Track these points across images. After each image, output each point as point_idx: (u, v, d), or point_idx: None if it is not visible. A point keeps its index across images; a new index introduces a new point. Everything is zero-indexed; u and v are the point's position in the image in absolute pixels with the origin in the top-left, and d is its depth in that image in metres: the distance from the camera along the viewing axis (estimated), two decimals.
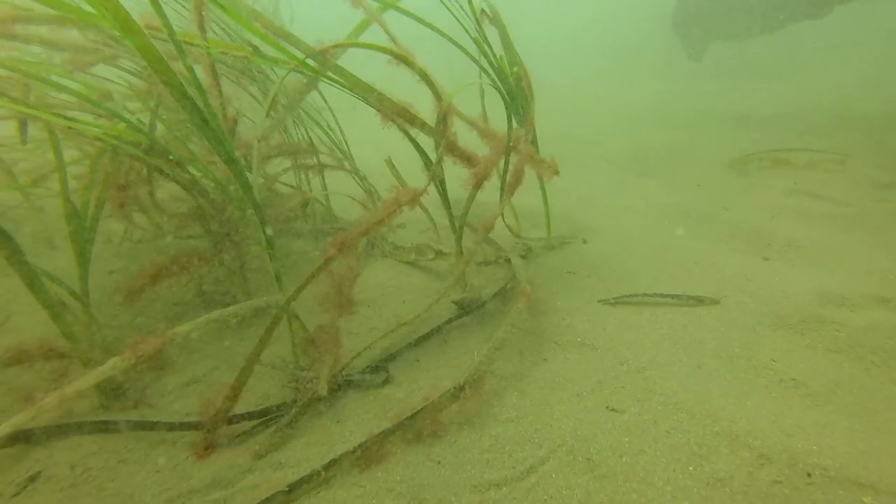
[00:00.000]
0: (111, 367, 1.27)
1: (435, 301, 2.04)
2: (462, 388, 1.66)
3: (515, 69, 2.58)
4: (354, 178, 3.18)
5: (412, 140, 2.17)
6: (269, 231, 1.76)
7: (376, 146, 2.09)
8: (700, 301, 2.30)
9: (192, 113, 1.49)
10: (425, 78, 2.04)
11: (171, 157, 1.82)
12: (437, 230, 3.00)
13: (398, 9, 2.46)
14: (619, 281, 2.57)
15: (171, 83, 1.41)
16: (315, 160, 2.97)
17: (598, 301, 2.39)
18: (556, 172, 2.61)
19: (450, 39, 2.43)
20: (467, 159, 2.15)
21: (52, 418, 1.66)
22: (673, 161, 4.79)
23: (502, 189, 2.47)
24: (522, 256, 2.84)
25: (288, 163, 3.02)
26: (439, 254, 2.64)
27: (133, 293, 1.96)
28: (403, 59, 1.93)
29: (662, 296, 2.34)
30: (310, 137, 2.98)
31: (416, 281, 2.54)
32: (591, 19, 9.40)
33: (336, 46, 1.88)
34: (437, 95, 2.07)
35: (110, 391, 1.79)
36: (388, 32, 2.30)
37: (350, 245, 1.66)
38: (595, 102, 6.70)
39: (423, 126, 2.03)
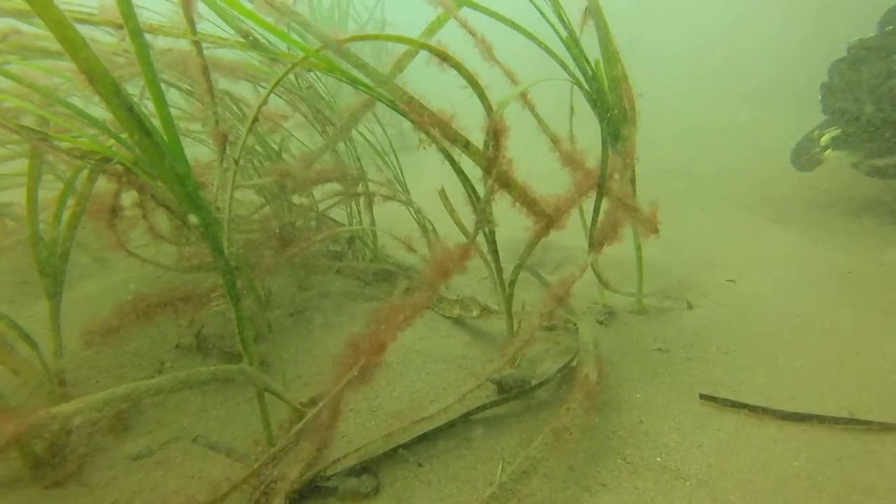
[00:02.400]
0: None
1: (465, 394, 1.50)
2: None
3: (614, 73, 1.97)
4: (410, 211, 2.75)
5: (456, 167, 1.67)
6: (237, 287, 1.35)
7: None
8: (864, 422, 1.51)
9: (126, 121, 1.13)
10: (472, 83, 1.55)
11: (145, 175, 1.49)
12: (493, 277, 2.45)
13: (478, 6, 1.95)
14: (732, 369, 1.83)
15: (91, 73, 1.05)
16: (363, 188, 2.59)
17: (699, 397, 1.69)
18: (655, 231, 1.97)
19: (527, 34, 1.89)
20: (527, 201, 1.61)
21: None
22: (818, 203, 3.80)
23: (590, 237, 1.87)
24: (601, 322, 2.20)
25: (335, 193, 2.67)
26: (485, 311, 2.09)
27: (105, 335, 1.66)
28: (442, 55, 1.46)
29: (800, 414, 1.58)
30: (359, 161, 2.61)
31: (451, 345, 2.00)
32: (727, 58, 8.28)
33: (354, 39, 1.44)
34: (488, 107, 1.56)
35: (39, 459, 1.46)
36: (466, 27, 1.81)
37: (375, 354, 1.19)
38: (721, 133, 5.74)
39: (466, 147, 1.52)
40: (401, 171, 2.81)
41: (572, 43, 1.95)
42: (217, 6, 1.49)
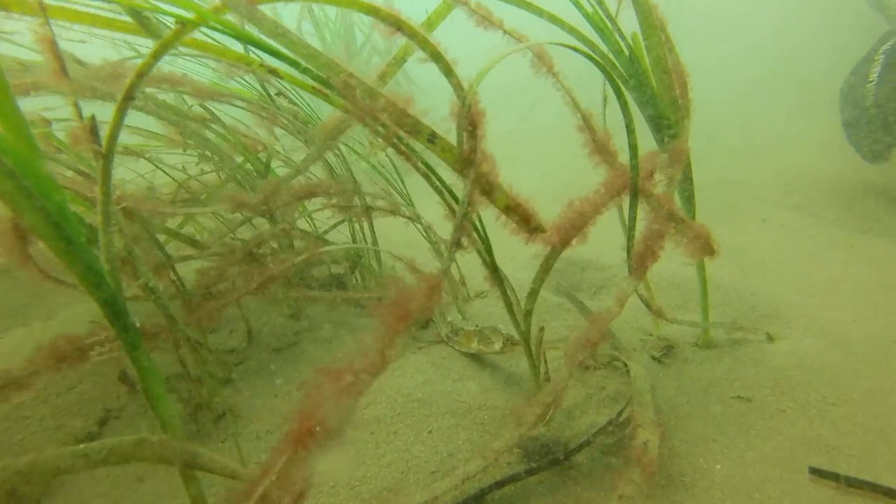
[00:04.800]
0: None
1: (464, 480, 1.06)
2: None
3: (657, 54, 1.54)
4: (418, 228, 2.35)
5: (428, 168, 1.26)
6: (130, 320, 0.96)
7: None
8: None
9: None
10: (435, 55, 1.12)
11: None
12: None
13: None
14: (848, 429, 1.33)
15: None
16: (360, 202, 2.21)
17: (809, 472, 1.19)
18: (711, 252, 1.50)
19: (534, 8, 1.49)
20: (519, 211, 1.17)
21: None
22: None
23: (628, 257, 1.41)
24: (657, 359, 1.72)
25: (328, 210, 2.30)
26: (509, 344, 1.64)
27: (7, 389, 1.30)
28: (395, 22, 1.05)
29: None
30: (351, 173, 2.24)
31: (465, 390, 1.56)
32: (774, 63, 7.65)
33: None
34: (457, 85, 1.12)
35: None
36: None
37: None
38: (776, 140, 5.17)
39: (431, 140, 1.10)
40: (403, 182, 2.43)
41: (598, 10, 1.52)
42: None
